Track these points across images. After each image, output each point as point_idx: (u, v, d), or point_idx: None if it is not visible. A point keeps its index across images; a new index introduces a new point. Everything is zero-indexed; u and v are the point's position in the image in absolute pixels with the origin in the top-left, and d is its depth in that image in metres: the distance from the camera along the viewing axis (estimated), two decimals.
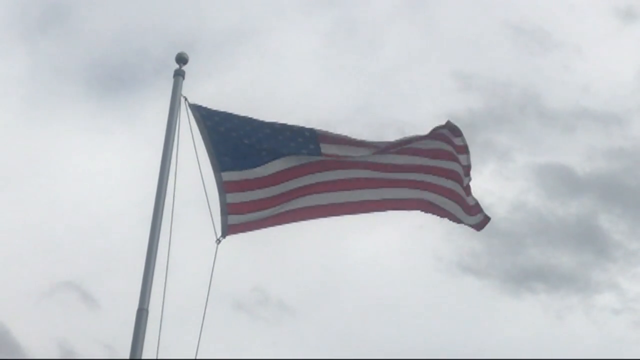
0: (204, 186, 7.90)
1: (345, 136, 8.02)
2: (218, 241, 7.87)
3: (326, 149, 7.99)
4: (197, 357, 7.32)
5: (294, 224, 8.24)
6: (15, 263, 20.11)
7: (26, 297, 20.41)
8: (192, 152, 7.91)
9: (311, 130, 7.98)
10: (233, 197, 8.04)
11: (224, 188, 8.03)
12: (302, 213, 8.16)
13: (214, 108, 8.05)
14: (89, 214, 20.49)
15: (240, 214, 8.06)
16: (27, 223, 20.88)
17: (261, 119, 8.09)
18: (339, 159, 8.00)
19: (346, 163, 8.04)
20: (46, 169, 22.48)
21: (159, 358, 7.01)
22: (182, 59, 7.93)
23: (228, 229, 8.01)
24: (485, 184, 23.73)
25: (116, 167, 20.80)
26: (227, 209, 8.02)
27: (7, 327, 19.18)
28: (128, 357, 6.86)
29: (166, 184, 7.50)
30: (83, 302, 20.88)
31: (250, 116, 8.06)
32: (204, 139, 8.01)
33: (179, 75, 7.93)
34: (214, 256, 7.71)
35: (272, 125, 8.04)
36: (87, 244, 20.00)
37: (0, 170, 21.82)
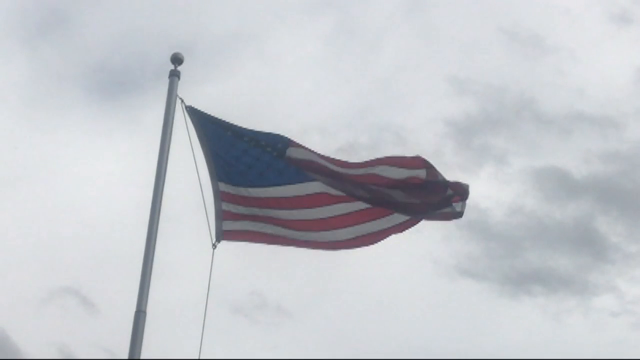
0: (201, 189, 7.91)
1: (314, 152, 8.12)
2: (214, 246, 7.89)
3: (292, 152, 8.08)
4: (195, 358, 7.36)
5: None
6: (14, 268, 20.15)
7: (26, 302, 20.45)
8: (189, 153, 7.94)
9: (283, 140, 8.08)
10: (228, 206, 8.10)
11: (220, 196, 8.08)
12: (292, 242, 8.25)
13: (209, 112, 8.07)
14: (88, 218, 20.52)
15: (235, 220, 8.12)
16: (26, 227, 20.92)
17: (257, 122, 8.17)
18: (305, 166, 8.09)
19: (321, 196, 8.15)
20: (45, 173, 22.51)
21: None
22: (177, 60, 7.93)
23: (223, 234, 8.05)
24: (482, 188, 23.76)
25: (115, 170, 20.84)
26: (222, 215, 8.07)
27: (6, 333, 19.20)
28: (127, 357, 6.90)
29: (163, 185, 7.51)
30: (82, 306, 20.92)
31: (232, 122, 8.12)
32: (201, 145, 8.03)
33: (174, 75, 7.93)
34: (210, 261, 7.71)
35: (249, 134, 8.11)
36: (86, 249, 20.03)
37: None
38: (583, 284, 23.67)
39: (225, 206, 8.08)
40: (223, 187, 8.07)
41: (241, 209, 8.12)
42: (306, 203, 8.13)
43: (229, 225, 8.09)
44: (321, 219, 8.16)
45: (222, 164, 8.05)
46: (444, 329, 21.14)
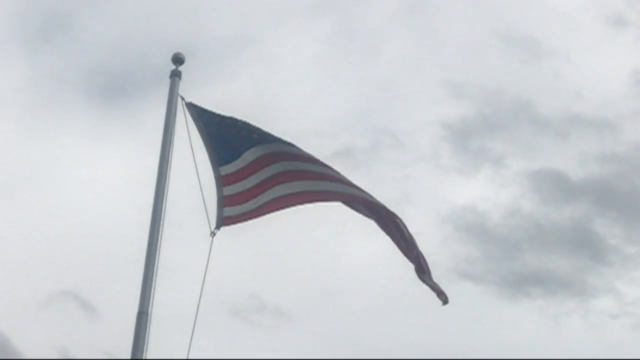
0: (200, 187, 7.90)
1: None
2: (213, 234, 7.86)
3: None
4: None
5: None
6: (14, 272, 20.16)
7: (26, 306, 20.47)
8: (191, 154, 7.93)
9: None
10: (230, 190, 8.10)
11: (221, 182, 8.09)
12: (290, 199, 8.21)
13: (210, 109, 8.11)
14: (87, 221, 20.54)
15: (236, 205, 8.11)
16: (26, 231, 20.92)
17: (257, 124, 8.20)
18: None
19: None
20: (45, 177, 22.54)
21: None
22: (178, 60, 7.98)
23: (223, 221, 8.03)
24: (480, 191, 23.85)
25: (115, 174, 20.85)
26: (223, 202, 8.07)
27: (7, 336, 19.22)
28: (129, 358, 6.93)
29: (164, 184, 7.54)
30: (82, 310, 20.95)
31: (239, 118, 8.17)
32: (201, 135, 8.07)
33: (175, 75, 7.97)
34: (209, 250, 7.69)
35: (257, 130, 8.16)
36: (86, 252, 20.05)
37: None
38: (582, 285, 23.74)
39: (226, 191, 8.09)
40: (224, 170, 8.09)
41: (243, 184, 8.12)
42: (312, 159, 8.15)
43: (230, 211, 8.08)
44: (314, 172, 8.16)
45: (221, 145, 8.09)
46: (443, 331, 21.17)
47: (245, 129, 8.11)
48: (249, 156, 8.12)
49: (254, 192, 8.15)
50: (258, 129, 8.12)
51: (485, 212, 24.14)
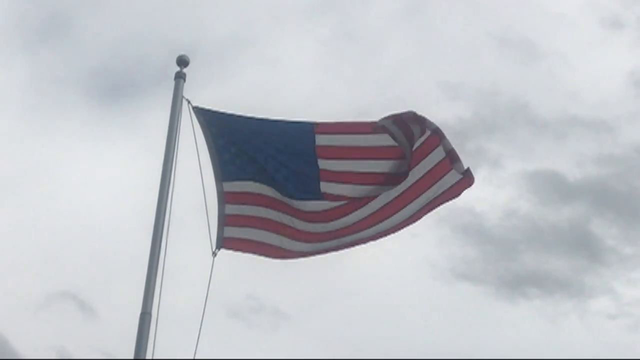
0: (204, 193, 7.88)
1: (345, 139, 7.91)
2: (214, 254, 7.85)
3: (321, 140, 7.84)
4: (201, 358, 7.42)
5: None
6: (13, 272, 20.18)
7: (24, 307, 20.48)
8: (195, 156, 7.91)
9: (309, 133, 7.88)
10: (232, 209, 8.00)
11: (224, 198, 7.99)
12: (299, 254, 8.08)
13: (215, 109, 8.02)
14: (87, 223, 20.55)
15: (237, 226, 8.03)
16: (25, 232, 20.94)
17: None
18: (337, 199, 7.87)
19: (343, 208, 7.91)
20: (46, 178, 22.53)
21: (159, 358, 7.12)
22: (182, 62, 7.93)
23: (223, 242, 7.98)
24: (477, 192, 23.84)
25: (117, 175, 20.86)
26: (224, 220, 7.99)
27: (5, 337, 19.24)
28: (128, 358, 6.96)
29: (168, 187, 7.50)
30: (80, 311, 20.97)
31: (250, 115, 8.01)
32: (208, 145, 7.96)
33: (180, 77, 7.92)
34: (210, 268, 7.69)
35: (271, 127, 7.95)
36: (85, 253, 20.06)
37: None
38: (579, 286, 23.79)
39: (228, 209, 7.98)
40: (228, 187, 7.98)
41: (245, 209, 8.01)
42: (322, 217, 7.90)
43: (231, 231, 7.99)
44: (338, 229, 7.91)
45: (229, 159, 7.96)
46: (441, 332, 21.23)
47: (257, 158, 7.94)
48: (254, 188, 7.98)
49: (254, 222, 8.02)
50: (269, 131, 7.93)
51: (482, 213, 24.19)
